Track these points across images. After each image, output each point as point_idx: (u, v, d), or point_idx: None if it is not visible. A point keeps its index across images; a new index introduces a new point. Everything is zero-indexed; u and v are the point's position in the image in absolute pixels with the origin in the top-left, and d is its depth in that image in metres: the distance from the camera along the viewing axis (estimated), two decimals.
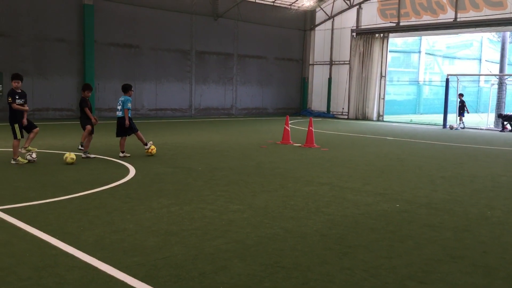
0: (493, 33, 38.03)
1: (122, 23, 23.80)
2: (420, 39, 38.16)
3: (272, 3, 29.83)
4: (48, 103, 21.95)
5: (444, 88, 25.75)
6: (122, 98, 11.26)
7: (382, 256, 4.95)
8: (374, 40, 28.26)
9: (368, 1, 28.51)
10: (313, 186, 8.42)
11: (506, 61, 26.88)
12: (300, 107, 32.69)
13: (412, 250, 5.17)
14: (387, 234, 5.72)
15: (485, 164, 11.72)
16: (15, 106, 9.71)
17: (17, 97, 9.74)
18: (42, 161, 10.23)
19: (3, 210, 6.26)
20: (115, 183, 8.20)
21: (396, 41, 34.53)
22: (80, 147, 10.88)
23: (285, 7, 30.61)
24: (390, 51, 29.53)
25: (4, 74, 19.99)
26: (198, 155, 11.87)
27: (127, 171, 9.39)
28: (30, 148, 10.15)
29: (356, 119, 29.13)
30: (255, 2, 28.96)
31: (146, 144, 11.37)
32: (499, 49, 29.31)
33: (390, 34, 28.18)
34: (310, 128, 14.51)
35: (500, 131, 22.72)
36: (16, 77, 9.85)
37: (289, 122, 15.55)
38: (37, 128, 10.24)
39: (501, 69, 26.78)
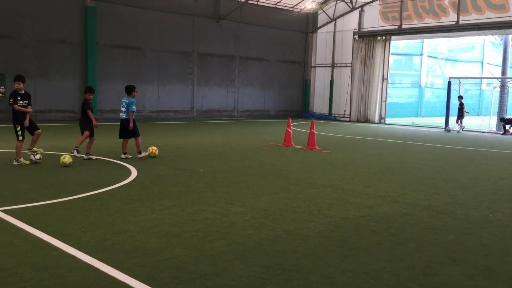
0: (496, 36, 37.99)
1: (124, 25, 23.85)
2: (422, 42, 38.14)
3: (274, 6, 29.87)
4: (50, 105, 21.99)
5: (446, 91, 25.74)
6: (126, 100, 11.21)
7: (383, 259, 4.94)
8: (376, 43, 28.27)
9: (370, 4, 28.53)
10: (314, 188, 8.41)
11: (508, 64, 26.85)
12: (302, 109, 32.69)
13: (414, 253, 5.16)
14: (388, 237, 5.71)
15: (487, 167, 11.70)
16: (16, 107, 9.73)
17: (18, 98, 9.76)
18: (44, 162, 10.24)
19: (5, 211, 6.26)
20: (116, 184, 8.21)
21: (398, 44, 34.53)
22: (75, 153, 10.78)
23: (287, 10, 30.64)
24: (392, 54, 29.55)
25: (7, 75, 20.06)
26: (200, 157, 11.87)
27: (128, 172, 9.39)
28: (35, 149, 10.19)
29: (358, 121, 29.11)
30: (257, 4, 29.00)
31: (140, 153, 11.12)
32: (501, 52, 29.28)
33: (392, 37, 28.18)
34: (312, 130, 14.51)
35: (502, 134, 22.68)
36: (18, 78, 9.88)
37: (291, 124, 15.54)
38: (39, 130, 10.26)
39: (503, 72, 26.76)
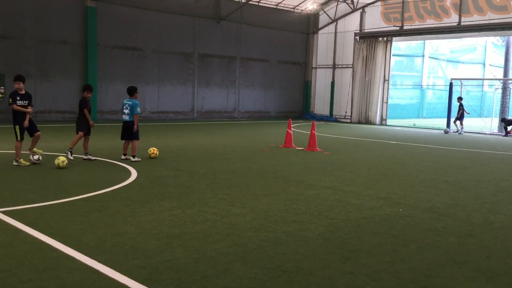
0: (497, 37, 37.94)
1: (125, 26, 23.86)
2: (424, 43, 38.13)
3: (275, 6, 29.86)
4: (50, 105, 21.99)
5: (447, 92, 25.72)
6: (130, 102, 11.14)
7: (384, 261, 4.92)
8: (378, 44, 28.24)
9: (372, 5, 28.52)
10: (315, 190, 8.39)
11: (510, 65, 26.81)
12: (302, 110, 32.68)
13: (415, 255, 5.14)
14: (389, 239, 5.69)
15: (489, 169, 11.67)
16: (15, 107, 9.72)
17: (18, 98, 9.74)
18: (44, 163, 10.22)
19: (4, 212, 6.25)
20: (117, 185, 8.19)
21: (399, 45, 34.52)
22: (69, 156, 10.55)
23: (288, 10, 30.64)
24: (393, 55, 29.53)
25: (7, 76, 20.07)
26: (200, 158, 11.85)
27: (129, 173, 9.38)
28: (35, 150, 10.17)
29: (359, 123, 29.09)
30: (258, 5, 29.00)
31: (134, 157, 10.91)
32: (503, 54, 29.25)
33: (394, 38, 28.17)
34: (313, 131, 14.49)
35: (504, 135, 22.65)
36: (18, 78, 9.87)
37: (292, 125, 15.53)
38: (39, 132, 10.22)
39: (505, 73, 26.74)
